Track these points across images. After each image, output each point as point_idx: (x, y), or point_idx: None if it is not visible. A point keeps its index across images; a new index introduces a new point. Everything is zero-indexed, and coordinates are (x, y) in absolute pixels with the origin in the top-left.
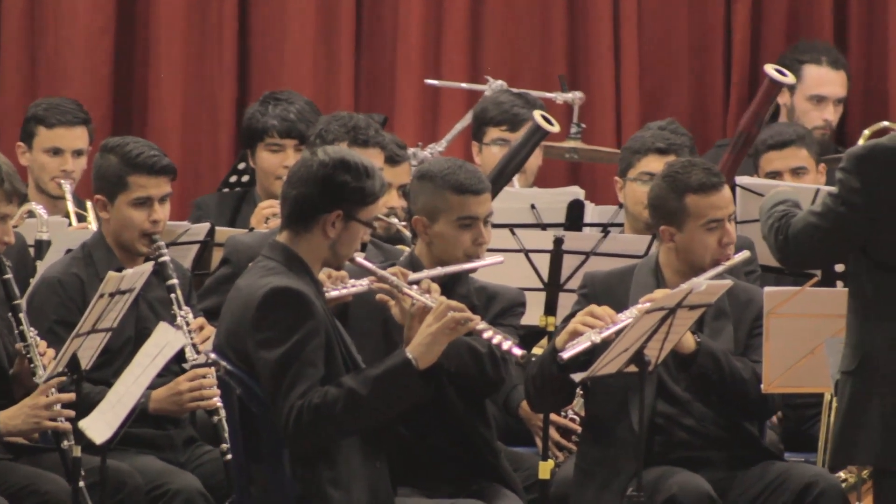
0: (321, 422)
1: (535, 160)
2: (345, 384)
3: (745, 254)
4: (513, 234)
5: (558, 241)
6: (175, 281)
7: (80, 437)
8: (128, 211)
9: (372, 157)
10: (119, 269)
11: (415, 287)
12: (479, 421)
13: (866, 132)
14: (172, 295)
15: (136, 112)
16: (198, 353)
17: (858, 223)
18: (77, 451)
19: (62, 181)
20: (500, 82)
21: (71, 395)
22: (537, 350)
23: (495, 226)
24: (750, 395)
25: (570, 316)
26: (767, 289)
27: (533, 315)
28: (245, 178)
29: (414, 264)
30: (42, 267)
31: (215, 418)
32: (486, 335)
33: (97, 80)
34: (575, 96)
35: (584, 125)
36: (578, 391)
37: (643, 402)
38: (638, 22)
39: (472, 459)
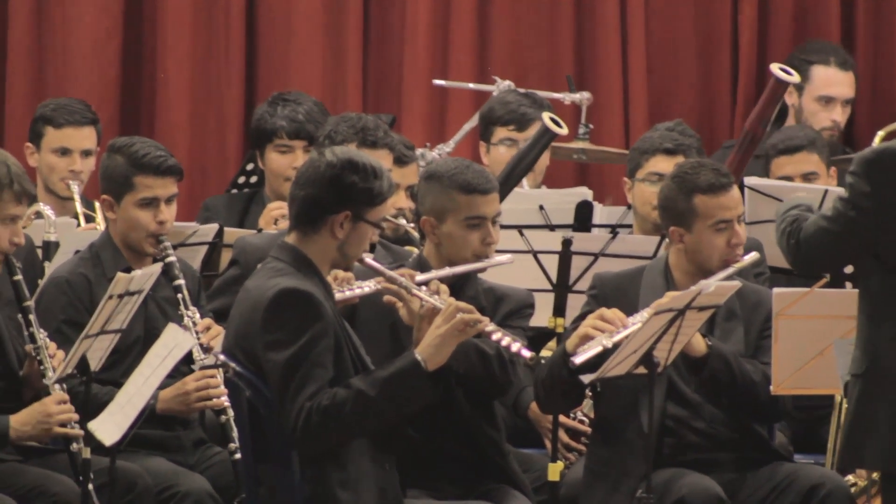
0: (330, 423)
1: (543, 159)
2: (353, 385)
3: (754, 255)
4: (521, 235)
5: (567, 242)
6: (181, 281)
7: (90, 438)
8: (134, 211)
9: (381, 159)
10: (127, 270)
11: (424, 288)
12: (488, 422)
13: (881, 133)
14: (179, 295)
15: (143, 113)
16: (205, 352)
17: (868, 227)
18: (87, 453)
19: (70, 182)
20: (507, 82)
21: (74, 416)
22: (546, 352)
23: (504, 227)
24: (760, 398)
25: (580, 317)
26: (776, 290)
27: (541, 316)
28: (253, 179)
29: (422, 265)
30: (50, 268)
31: (223, 418)
32: (494, 337)
33: (104, 81)
34: (583, 97)
35: (591, 126)
36: (588, 393)
37: (652, 404)
38: (645, 22)
39: (481, 461)
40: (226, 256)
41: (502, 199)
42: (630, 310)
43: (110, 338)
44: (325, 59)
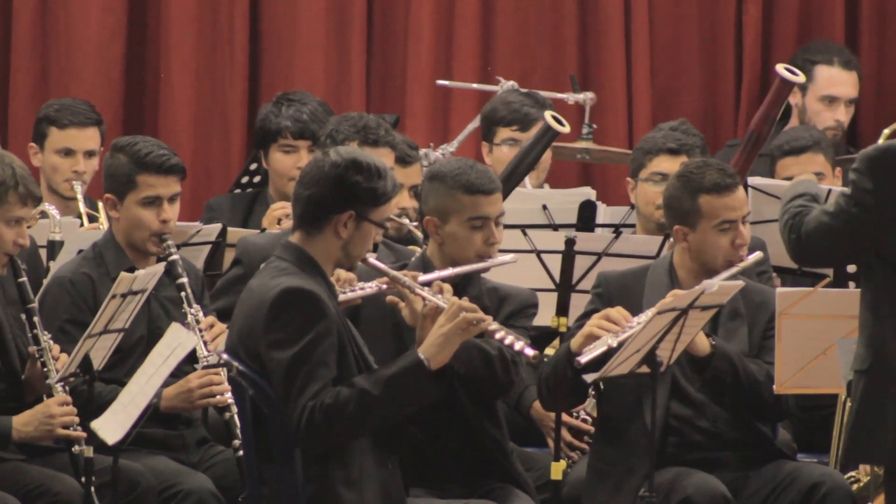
0: (333, 422)
1: (546, 156)
2: (357, 384)
3: (758, 255)
4: (524, 234)
5: (570, 242)
6: (185, 279)
7: (93, 437)
8: (137, 210)
9: (382, 157)
10: (130, 269)
11: (427, 288)
12: (490, 422)
13: (886, 131)
14: (182, 293)
15: (147, 113)
16: (208, 350)
17: (870, 224)
18: (89, 452)
19: (74, 182)
20: (511, 83)
21: (76, 418)
22: (549, 351)
23: (507, 226)
24: (764, 398)
25: (585, 315)
26: (779, 289)
27: (545, 316)
28: (257, 179)
29: (426, 265)
30: (55, 267)
31: (227, 415)
32: (497, 336)
33: (108, 81)
34: (586, 97)
35: (595, 126)
36: (591, 392)
37: (655, 403)
38: (649, 22)
39: (483, 460)
40: (229, 256)
41: (505, 197)
42: (635, 308)
43: (113, 337)
44: (329, 60)
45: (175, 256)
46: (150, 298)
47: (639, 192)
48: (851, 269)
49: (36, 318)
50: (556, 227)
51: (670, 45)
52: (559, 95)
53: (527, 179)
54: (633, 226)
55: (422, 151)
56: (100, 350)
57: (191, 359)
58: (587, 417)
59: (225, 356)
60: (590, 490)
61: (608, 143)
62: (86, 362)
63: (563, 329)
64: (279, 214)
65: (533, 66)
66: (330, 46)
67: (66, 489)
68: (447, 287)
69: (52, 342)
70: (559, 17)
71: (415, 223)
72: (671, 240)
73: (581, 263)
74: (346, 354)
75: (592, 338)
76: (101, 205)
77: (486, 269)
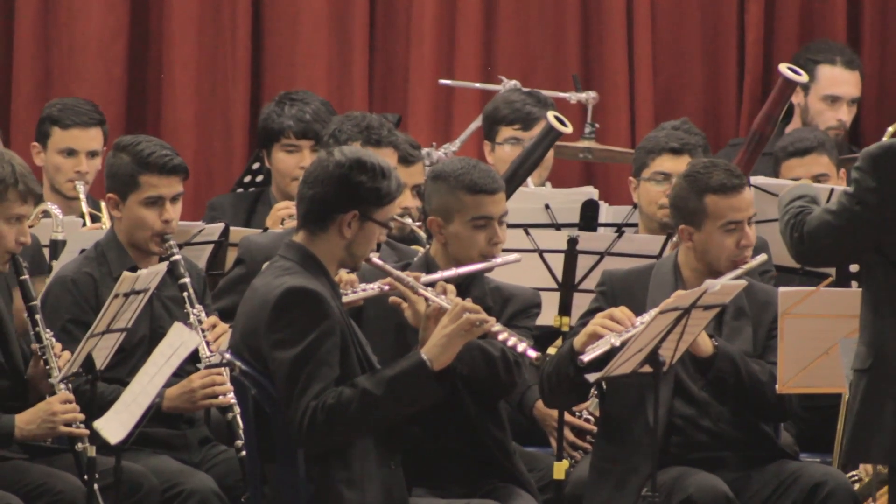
0: (335, 422)
1: (548, 156)
2: (359, 385)
3: (762, 257)
4: (527, 234)
5: (572, 242)
6: (187, 279)
7: (95, 436)
8: (139, 210)
9: (385, 157)
10: (132, 269)
11: (430, 288)
12: (492, 422)
13: (890, 129)
14: (185, 293)
15: (149, 112)
16: (211, 350)
17: (873, 222)
18: (92, 451)
19: (76, 182)
20: (514, 82)
21: (80, 416)
22: (552, 350)
23: (509, 226)
24: (767, 398)
25: (589, 313)
26: (782, 289)
27: (547, 315)
28: (259, 179)
29: (429, 265)
30: (58, 267)
31: (229, 415)
32: (501, 337)
33: (110, 80)
34: (588, 96)
35: (597, 125)
36: (593, 391)
37: (657, 402)
38: (651, 22)
39: (486, 460)
40: (231, 256)
41: (507, 198)
42: (638, 307)
43: (116, 336)
44: (332, 59)
45: (177, 256)
46: (153, 298)
47: (641, 191)
48: (854, 268)
49: (38, 317)
50: (558, 227)
51: (673, 45)
52: (561, 95)
53: (529, 179)
54: (635, 225)
55: (424, 151)
56: (102, 350)
57: (193, 359)
58: (590, 417)
59: (227, 356)
60: (592, 489)
61: (610, 142)
62: (88, 362)
63: (565, 329)
64: (283, 214)
65: (535, 65)
66: (332, 46)
67: (68, 488)
68: (451, 288)
69: (54, 340)
70: (561, 17)
71: (418, 223)
72: (673, 239)
73: (583, 263)
74: (349, 354)
75: (596, 337)
76: (103, 204)
77: (489, 269)
